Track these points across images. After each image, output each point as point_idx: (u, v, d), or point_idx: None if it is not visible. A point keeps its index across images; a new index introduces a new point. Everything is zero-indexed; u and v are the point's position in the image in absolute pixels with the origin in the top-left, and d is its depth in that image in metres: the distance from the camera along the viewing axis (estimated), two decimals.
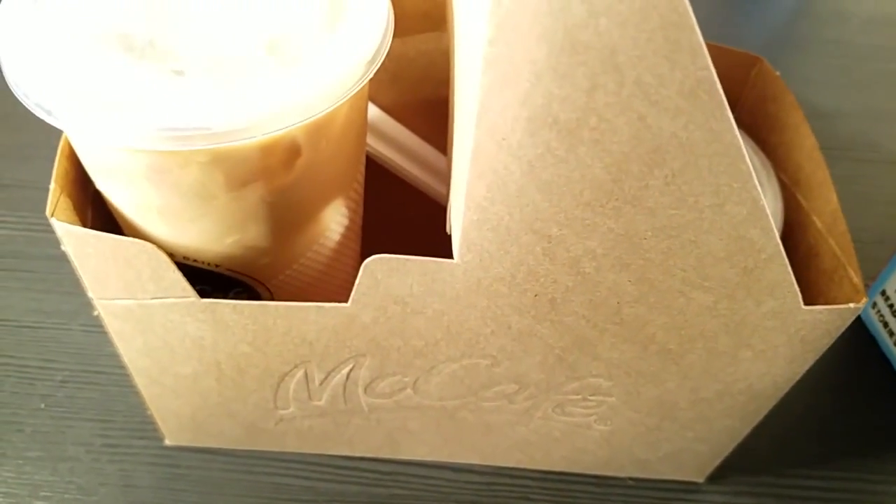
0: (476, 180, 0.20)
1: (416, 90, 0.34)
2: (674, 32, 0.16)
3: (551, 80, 0.17)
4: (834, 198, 0.27)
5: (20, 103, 0.20)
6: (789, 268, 0.22)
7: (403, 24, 0.24)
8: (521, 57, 0.17)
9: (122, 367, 0.29)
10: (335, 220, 0.27)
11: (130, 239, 0.22)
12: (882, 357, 0.39)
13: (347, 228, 0.28)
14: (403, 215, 0.34)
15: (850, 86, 0.56)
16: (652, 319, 0.24)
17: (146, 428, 0.33)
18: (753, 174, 0.19)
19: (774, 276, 0.22)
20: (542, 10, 0.15)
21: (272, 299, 0.28)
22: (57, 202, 0.23)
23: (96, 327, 0.37)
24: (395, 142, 0.34)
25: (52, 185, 0.23)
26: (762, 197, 0.19)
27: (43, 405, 0.34)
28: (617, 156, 0.18)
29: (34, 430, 0.33)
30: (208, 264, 0.25)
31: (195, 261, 0.25)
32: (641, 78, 0.16)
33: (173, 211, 0.23)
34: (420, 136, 0.34)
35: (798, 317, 0.23)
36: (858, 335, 0.39)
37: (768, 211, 0.20)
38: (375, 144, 0.33)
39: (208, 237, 0.24)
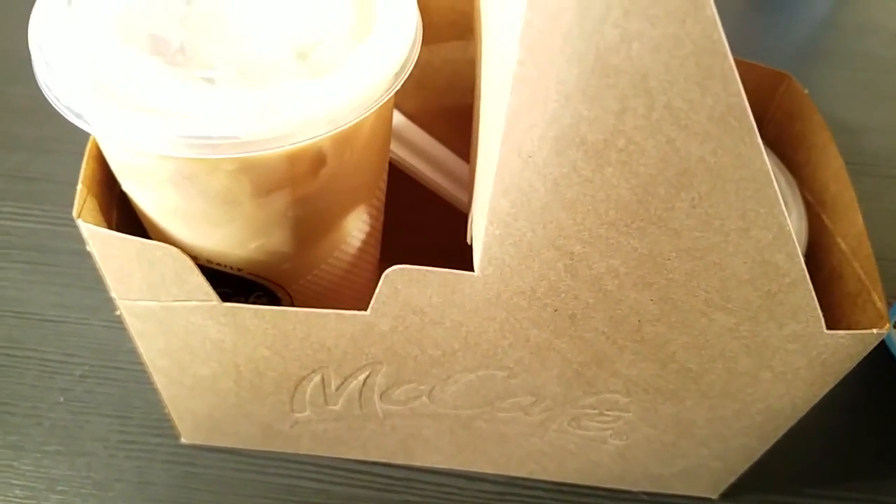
0: (500, 196, 0.20)
1: (441, 98, 0.34)
2: (706, 59, 0.15)
3: (580, 101, 0.17)
4: (860, 220, 0.27)
5: (46, 98, 0.21)
6: (813, 292, 0.21)
7: (430, 33, 0.24)
8: (551, 77, 0.17)
9: (140, 363, 0.29)
10: (357, 227, 0.27)
11: (155, 242, 0.23)
12: None
13: (368, 235, 0.28)
14: (424, 221, 0.34)
15: (877, 100, 0.56)
16: (673, 338, 0.24)
17: (163, 425, 0.34)
18: (780, 199, 0.19)
19: (797, 300, 0.22)
20: (573, 32, 0.15)
21: (292, 303, 0.28)
22: (84, 203, 0.23)
23: (117, 323, 0.37)
24: (417, 148, 0.34)
25: (80, 187, 0.23)
26: (788, 222, 0.19)
27: (62, 399, 0.35)
28: (643, 177, 0.18)
29: (53, 423, 0.34)
30: (231, 268, 0.25)
31: (218, 264, 0.25)
32: (672, 102, 0.16)
33: (199, 216, 0.23)
34: (443, 143, 0.34)
35: (820, 341, 0.23)
36: (878, 355, 0.39)
37: (794, 235, 0.20)
38: (398, 151, 0.33)
39: (232, 242, 0.24)
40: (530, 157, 0.18)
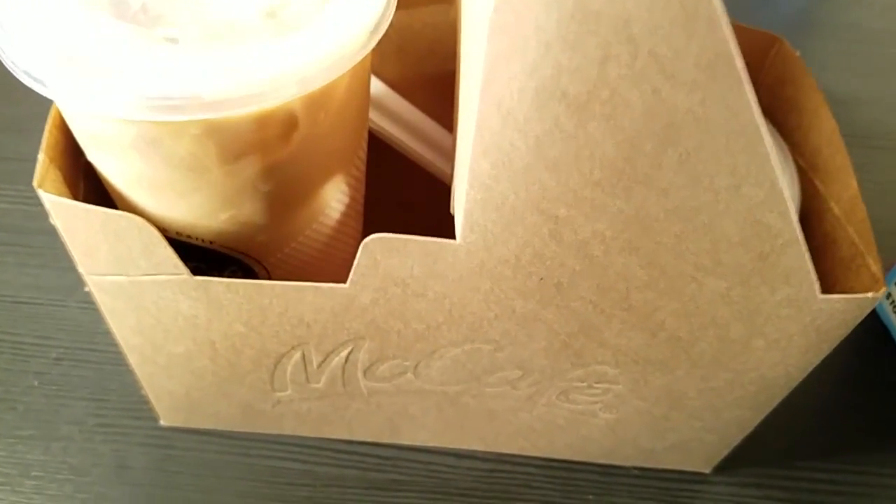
0: (480, 157, 0.19)
1: (422, 64, 0.33)
2: (691, 1, 0.15)
3: (561, 50, 0.16)
4: (853, 183, 0.26)
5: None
6: (807, 254, 0.21)
7: None
8: (529, 25, 0.16)
9: (117, 345, 0.28)
10: (335, 198, 0.26)
11: (120, 212, 0.22)
12: (895, 349, 0.38)
13: (348, 206, 0.27)
14: (407, 194, 0.33)
15: (868, 72, 0.55)
16: (662, 306, 0.23)
17: (141, 408, 0.33)
18: (772, 155, 0.18)
19: (791, 262, 0.21)
20: None
21: (269, 278, 0.27)
22: (45, 173, 0.22)
23: (93, 304, 0.36)
24: (399, 118, 0.33)
25: (41, 156, 0.22)
26: (780, 179, 0.18)
27: (37, 383, 0.34)
28: (629, 132, 0.17)
29: (27, 408, 0.33)
30: (202, 241, 0.24)
31: (189, 237, 0.24)
32: (656, 49, 0.15)
33: (165, 184, 0.22)
34: (425, 112, 0.33)
35: (814, 305, 0.22)
36: (871, 326, 0.38)
37: (787, 194, 0.19)
38: (379, 120, 0.32)
39: (202, 212, 0.23)
40: (510, 113, 0.17)
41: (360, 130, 0.26)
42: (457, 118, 0.27)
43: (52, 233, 0.39)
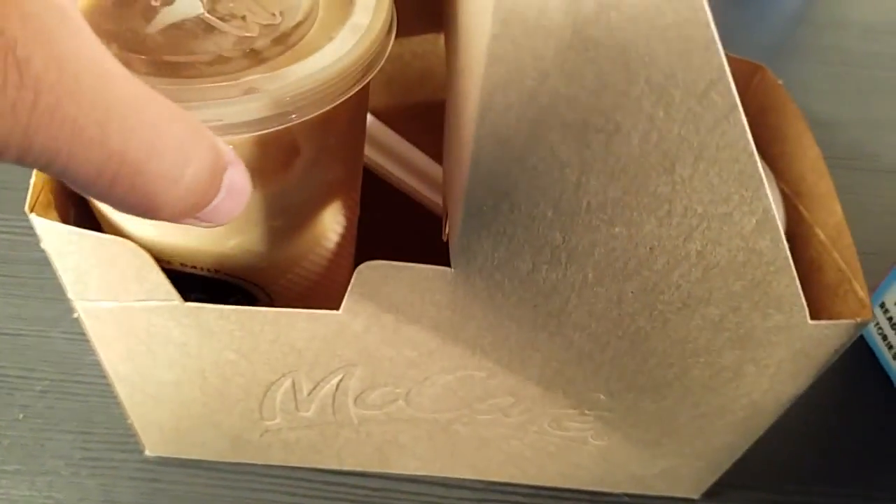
0: (476, 185, 0.19)
1: (411, 94, 0.33)
2: (688, 29, 0.15)
3: (558, 78, 0.16)
4: (838, 209, 0.26)
5: None
6: (797, 281, 0.21)
7: (399, 25, 0.24)
8: (527, 54, 0.16)
9: (103, 376, 0.27)
10: (336, 222, 0.26)
11: (113, 237, 0.21)
12: (881, 370, 0.38)
13: (346, 230, 0.27)
14: (396, 224, 0.33)
15: (848, 94, 0.56)
16: (654, 332, 0.23)
17: (128, 440, 0.32)
18: (765, 182, 0.18)
19: (782, 289, 0.21)
20: (550, 4, 0.15)
21: (272, 305, 0.27)
22: (37, 198, 0.22)
23: (78, 335, 0.36)
24: (387, 148, 0.33)
25: (33, 180, 0.22)
26: (773, 206, 0.19)
27: (21, 416, 0.33)
28: (624, 160, 0.17)
29: (12, 442, 0.32)
30: (207, 270, 0.24)
31: (193, 266, 0.24)
32: (652, 77, 0.16)
33: None
34: (413, 142, 0.33)
35: (804, 331, 0.23)
36: (856, 348, 0.39)
37: (778, 221, 0.19)
38: (367, 151, 0.32)
39: (208, 240, 0.23)
40: (507, 141, 0.18)
41: (358, 158, 0.26)
42: (447, 148, 0.27)
43: (37, 262, 0.38)
